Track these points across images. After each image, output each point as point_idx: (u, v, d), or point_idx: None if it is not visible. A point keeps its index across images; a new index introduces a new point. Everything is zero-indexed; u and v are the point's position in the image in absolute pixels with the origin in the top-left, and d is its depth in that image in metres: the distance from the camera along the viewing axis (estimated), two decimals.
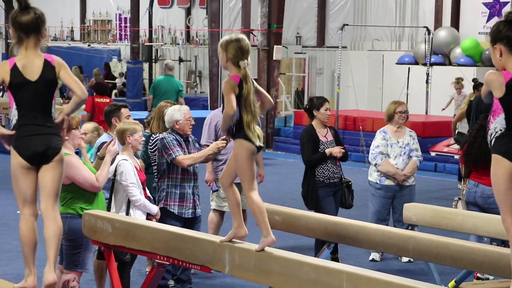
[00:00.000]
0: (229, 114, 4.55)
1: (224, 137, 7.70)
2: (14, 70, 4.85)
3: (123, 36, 30.21)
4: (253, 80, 4.66)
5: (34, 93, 4.86)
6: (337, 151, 8.41)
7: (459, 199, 8.60)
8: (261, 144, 4.65)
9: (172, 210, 7.41)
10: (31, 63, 4.88)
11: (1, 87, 5.04)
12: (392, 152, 9.06)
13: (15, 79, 4.85)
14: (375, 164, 9.05)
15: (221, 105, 8.89)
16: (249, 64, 4.55)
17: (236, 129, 4.61)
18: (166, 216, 7.30)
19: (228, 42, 4.57)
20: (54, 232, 4.94)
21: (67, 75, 4.95)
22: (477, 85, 13.19)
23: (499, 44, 4.01)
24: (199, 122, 8.96)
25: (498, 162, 3.95)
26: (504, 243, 7.17)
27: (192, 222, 7.51)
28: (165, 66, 16.99)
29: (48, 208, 4.93)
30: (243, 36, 4.64)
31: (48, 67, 4.89)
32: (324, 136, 8.49)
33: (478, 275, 7.83)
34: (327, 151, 8.38)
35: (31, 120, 4.87)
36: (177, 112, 7.48)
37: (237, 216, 4.74)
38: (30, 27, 4.89)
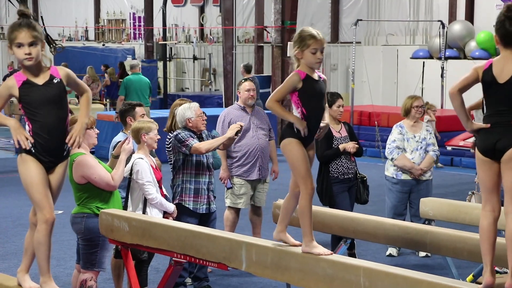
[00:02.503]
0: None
1: (240, 122, 7.74)
2: (25, 83, 4.76)
3: (137, 35, 30.27)
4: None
5: (43, 97, 4.75)
6: (351, 146, 8.39)
7: (473, 193, 8.60)
8: None
9: (187, 206, 7.43)
10: (37, 72, 4.77)
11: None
12: (408, 147, 9.04)
13: (26, 92, 4.74)
14: (392, 159, 9.03)
15: (235, 102, 8.93)
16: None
17: None
18: (181, 212, 7.33)
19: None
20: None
21: (73, 82, 4.90)
22: None
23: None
24: (214, 119, 8.97)
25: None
26: None
27: (207, 218, 7.52)
28: (130, 65, 17.08)
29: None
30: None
31: (52, 83, 4.77)
32: (338, 132, 8.48)
33: (496, 268, 7.81)
34: (341, 146, 8.36)
35: (42, 127, 4.83)
36: (187, 111, 7.49)
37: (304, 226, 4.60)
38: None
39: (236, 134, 7.50)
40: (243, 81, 8.91)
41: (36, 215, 4.83)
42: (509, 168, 3.93)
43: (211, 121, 8.53)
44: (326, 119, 4.69)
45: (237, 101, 8.90)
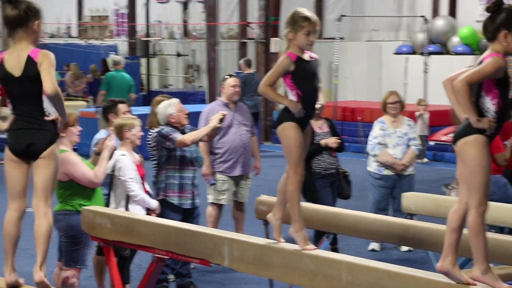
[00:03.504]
0: None
1: (223, 111, 7.72)
2: (1, 64, 4.80)
3: (120, 32, 30.17)
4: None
5: (20, 89, 4.79)
6: (332, 141, 8.40)
7: (453, 187, 8.66)
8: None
9: (172, 201, 7.44)
10: (16, 59, 4.78)
11: None
12: (390, 142, 9.07)
13: (3, 75, 4.79)
14: (374, 155, 9.07)
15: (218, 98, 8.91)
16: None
17: None
18: (165, 207, 7.33)
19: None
20: (43, 229, 4.78)
21: (42, 70, 4.75)
22: None
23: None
24: (198, 116, 8.95)
25: None
26: (502, 230, 7.20)
27: (191, 213, 7.53)
28: (112, 61, 17.05)
29: (38, 205, 4.85)
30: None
31: (30, 63, 4.76)
32: (319, 127, 8.48)
33: None
34: (322, 142, 8.37)
35: (20, 114, 4.84)
36: (168, 107, 7.49)
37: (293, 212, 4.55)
38: (16, 21, 4.78)
39: (220, 122, 7.48)
40: (227, 76, 8.89)
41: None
42: (460, 161, 3.94)
43: (194, 118, 8.53)
44: (321, 100, 4.68)
45: (219, 97, 8.89)
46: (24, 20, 4.80)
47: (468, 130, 3.88)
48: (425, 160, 15.88)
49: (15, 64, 4.78)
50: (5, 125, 4.94)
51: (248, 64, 17.52)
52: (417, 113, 14.19)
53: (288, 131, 4.43)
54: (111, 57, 17.45)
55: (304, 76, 4.48)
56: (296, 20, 4.49)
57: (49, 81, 4.69)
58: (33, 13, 4.83)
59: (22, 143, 4.81)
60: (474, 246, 3.85)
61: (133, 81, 16.90)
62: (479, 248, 3.83)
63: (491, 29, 3.91)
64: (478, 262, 3.82)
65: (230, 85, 8.66)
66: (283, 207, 4.60)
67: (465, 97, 3.85)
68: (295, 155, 4.44)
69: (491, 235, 5.34)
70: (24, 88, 4.79)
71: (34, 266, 4.80)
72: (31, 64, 4.75)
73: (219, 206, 8.72)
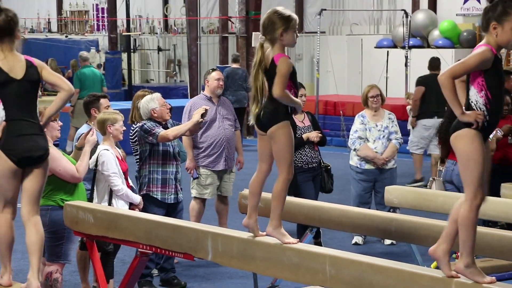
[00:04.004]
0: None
1: (205, 106, 7.71)
2: None
3: (100, 27, 30.05)
4: (278, 64, 4.46)
5: (19, 92, 4.83)
6: (314, 135, 8.41)
7: (434, 179, 8.71)
8: (252, 122, 4.55)
9: (155, 196, 7.43)
10: (12, 63, 4.85)
11: None
12: (371, 136, 9.09)
13: (1, 78, 4.80)
14: (354, 149, 9.09)
15: (201, 92, 8.88)
16: (266, 39, 4.47)
17: None
18: (149, 202, 7.32)
19: None
20: (36, 238, 4.93)
21: (50, 74, 4.97)
22: None
23: None
24: (179, 110, 8.94)
25: None
26: (484, 223, 7.24)
27: (174, 208, 7.52)
28: (80, 58, 17.00)
29: (30, 213, 4.92)
30: (274, 8, 4.59)
31: (31, 67, 4.88)
32: (301, 121, 8.49)
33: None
34: (304, 136, 8.38)
35: (18, 119, 4.84)
36: (150, 102, 7.47)
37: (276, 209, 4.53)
38: (4, 30, 4.84)
39: (202, 117, 7.47)
40: (211, 70, 8.88)
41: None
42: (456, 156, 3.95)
43: (176, 112, 8.50)
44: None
45: (203, 91, 8.87)
46: (12, 28, 4.87)
47: (459, 124, 3.89)
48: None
49: (14, 68, 4.84)
50: None
51: (235, 60, 17.51)
52: (408, 107, 14.17)
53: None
54: (79, 54, 17.35)
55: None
56: (287, 19, 4.51)
57: (65, 81, 5.00)
58: (17, 22, 4.92)
59: (28, 151, 4.81)
60: (461, 239, 3.84)
61: (102, 75, 16.84)
62: (467, 241, 3.83)
63: (484, 21, 3.93)
64: (463, 255, 3.82)
65: (214, 78, 8.65)
66: (257, 208, 4.56)
67: (449, 90, 3.84)
68: (290, 155, 4.43)
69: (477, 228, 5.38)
70: (24, 91, 4.83)
71: (29, 274, 4.88)
72: (32, 68, 4.86)
73: (202, 201, 8.72)
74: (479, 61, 3.85)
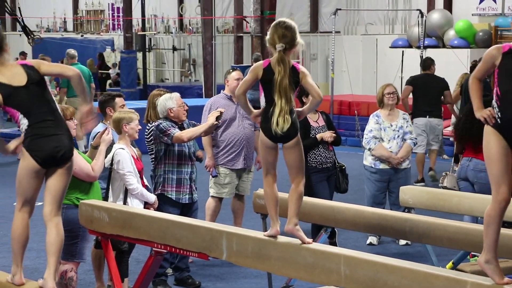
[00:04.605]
0: (236, 94, 4.62)
1: (220, 109, 7.73)
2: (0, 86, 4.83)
3: (116, 26, 30.13)
4: (303, 71, 4.49)
5: (31, 96, 4.85)
6: (328, 135, 8.41)
7: (446, 174, 8.69)
8: (279, 132, 4.41)
9: (169, 196, 7.44)
10: (10, 73, 4.85)
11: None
12: (385, 136, 9.08)
13: (6, 92, 4.82)
14: (369, 149, 9.08)
15: (221, 91, 8.90)
16: (288, 48, 4.41)
17: (262, 116, 4.53)
18: (163, 202, 7.33)
19: (270, 27, 4.52)
20: (56, 239, 4.96)
21: (49, 66, 5.01)
22: (476, 66, 13.18)
23: None
24: (194, 110, 8.95)
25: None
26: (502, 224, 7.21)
27: (189, 208, 7.53)
28: (67, 55, 17.00)
29: (52, 212, 4.95)
30: (285, 19, 4.51)
31: (29, 69, 4.88)
32: (315, 121, 8.49)
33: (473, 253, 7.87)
34: (318, 136, 8.38)
35: (43, 121, 4.87)
36: (168, 101, 7.48)
37: (270, 213, 4.59)
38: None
39: (217, 119, 7.49)
40: (231, 70, 8.89)
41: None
42: None
43: (191, 112, 8.51)
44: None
45: (223, 90, 8.88)
46: (2, 42, 4.90)
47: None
48: (445, 156, 15.57)
49: (14, 77, 4.85)
50: (13, 145, 4.98)
51: (256, 59, 17.54)
52: None
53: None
54: (67, 51, 17.35)
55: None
56: (296, 30, 4.51)
57: (67, 68, 5.05)
58: (3, 36, 4.95)
59: (54, 150, 4.84)
60: (484, 235, 3.89)
61: (90, 72, 16.87)
62: (488, 237, 3.87)
63: None
64: (485, 250, 3.87)
65: (234, 78, 8.66)
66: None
67: (471, 89, 3.94)
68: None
69: (480, 226, 5.36)
70: (33, 94, 4.86)
71: (46, 273, 4.92)
72: (31, 70, 4.88)
73: (219, 199, 8.74)
74: (484, 59, 3.94)
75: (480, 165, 7.92)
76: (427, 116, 12.62)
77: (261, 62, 4.52)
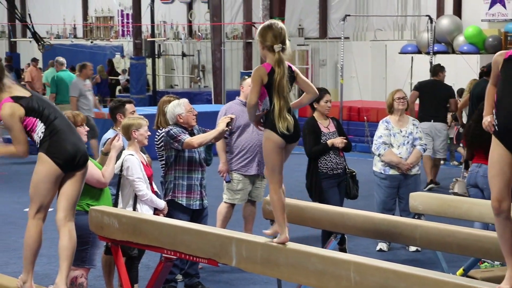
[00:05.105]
0: (249, 105, 4.56)
1: (230, 115, 7.74)
2: (17, 99, 4.94)
3: (125, 32, 30.21)
4: (296, 70, 4.57)
5: (40, 100, 5.01)
6: (339, 141, 8.41)
7: (457, 180, 8.68)
8: (290, 133, 4.49)
9: (180, 202, 7.45)
10: (17, 89, 5.03)
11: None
12: (395, 142, 9.06)
13: (25, 103, 4.95)
14: (379, 155, 9.06)
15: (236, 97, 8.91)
16: (285, 48, 4.46)
17: (265, 118, 4.57)
18: (174, 208, 7.34)
19: (262, 30, 4.51)
20: (69, 244, 5.01)
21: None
22: (484, 72, 13.18)
23: None
24: (203, 116, 8.96)
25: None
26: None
27: (199, 214, 7.54)
28: (56, 62, 17.09)
29: (66, 218, 4.99)
30: (276, 21, 4.56)
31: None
32: (326, 127, 8.49)
33: (489, 261, 7.85)
34: (329, 142, 8.38)
35: (58, 126, 4.94)
36: (177, 107, 7.50)
37: (278, 219, 4.59)
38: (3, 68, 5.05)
39: (227, 125, 7.50)
40: (246, 77, 8.91)
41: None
42: None
43: (200, 118, 8.53)
44: None
45: (238, 96, 8.88)
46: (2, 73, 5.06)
47: None
48: (455, 162, 15.53)
49: (21, 91, 5.04)
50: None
51: None
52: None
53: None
54: (56, 58, 17.49)
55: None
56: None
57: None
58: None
59: (71, 153, 4.90)
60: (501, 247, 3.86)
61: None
62: (503, 249, 3.82)
63: None
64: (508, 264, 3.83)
65: (248, 84, 8.65)
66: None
67: (486, 96, 3.96)
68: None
69: (490, 233, 5.35)
70: (43, 100, 5.04)
71: (57, 278, 4.96)
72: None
73: (232, 205, 8.76)
74: (492, 65, 3.96)
75: None
76: (432, 120, 12.78)
77: (262, 67, 4.51)
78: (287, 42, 4.53)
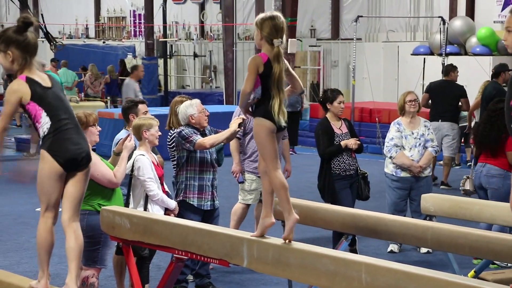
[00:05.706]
0: (244, 92, 4.55)
1: (242, 116, 7.74)
2: (31, 82, 4.88)
3: (137, 33, 30.25)
4: (287, 63, 4.60)
5: (56, 98, 4.94)
6: (352, 143, 8.40)
7: (468, 177, 8.68)
8: (283, 124, 4.55)
9: (191, 203, 7.45)
10: (40, 76, 4.98)
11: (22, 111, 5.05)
12: (407, 144, 9.04)
13: (36, 89, 4.89)
14: (390, 157, 9.04)
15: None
16: (283, 43, 4.48)
17: (255, 107, 4.59)
18: (185, 209, 7.35)
19: (263, 20, 4.50)
20: (75, 244, 4.99)
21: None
22: (495, 73, 13.15)
23: None
24: (215, 116, 8.97)
25: None
26: (511, 230, 7.19)
27: (210, 215, 7.55)
28: (42, 64, 17.10)
29: (70, 219, 4.98)
30: (279, 14, 4.55)
31: (51, 78, 5.06)
32: (339, 128, 8.49)
33: (497, 262, 7.82)
34: (343, 143, 8.37)
35: (65, 124, 4.91)
36: (189, 108, 7.51)
37: (267, 205, 4.69)
38: (37, 47, 5.04)
39: (239, 126, 7.50)
40: None
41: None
42: None
43: (212, 119, 8.53)
44: None
45: None
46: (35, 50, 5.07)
47: None
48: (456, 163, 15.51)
49: (42, 79, 4.98)
50: None
51: None
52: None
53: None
54: (37, 60, 17.58)
55: None
56: None
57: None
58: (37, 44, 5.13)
59: (72, 152, 4.90)
60: None
61: (61, 79, 17.09)
62: None
63: None
64: None
65: None
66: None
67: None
68: None
69: (501, 235, 5.33)
70: (57, 97, 4.98)
71: (67, 278, 4.97)
72: (53, 79, 5.05)
73: (246, 206, 8.79)
74: None
75: (493, 170, 7.98)
76: (440, 120, 12.80)
77: (258, 57, 4.52)
78: (284, 36, 4.55)
